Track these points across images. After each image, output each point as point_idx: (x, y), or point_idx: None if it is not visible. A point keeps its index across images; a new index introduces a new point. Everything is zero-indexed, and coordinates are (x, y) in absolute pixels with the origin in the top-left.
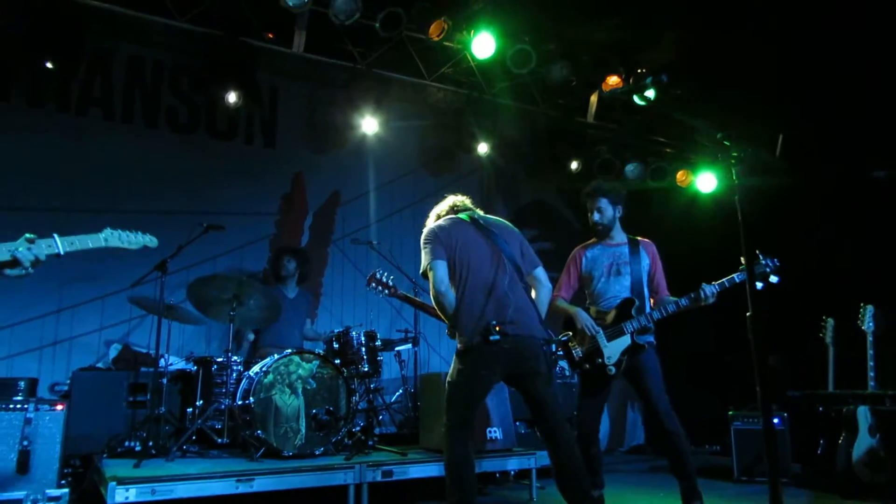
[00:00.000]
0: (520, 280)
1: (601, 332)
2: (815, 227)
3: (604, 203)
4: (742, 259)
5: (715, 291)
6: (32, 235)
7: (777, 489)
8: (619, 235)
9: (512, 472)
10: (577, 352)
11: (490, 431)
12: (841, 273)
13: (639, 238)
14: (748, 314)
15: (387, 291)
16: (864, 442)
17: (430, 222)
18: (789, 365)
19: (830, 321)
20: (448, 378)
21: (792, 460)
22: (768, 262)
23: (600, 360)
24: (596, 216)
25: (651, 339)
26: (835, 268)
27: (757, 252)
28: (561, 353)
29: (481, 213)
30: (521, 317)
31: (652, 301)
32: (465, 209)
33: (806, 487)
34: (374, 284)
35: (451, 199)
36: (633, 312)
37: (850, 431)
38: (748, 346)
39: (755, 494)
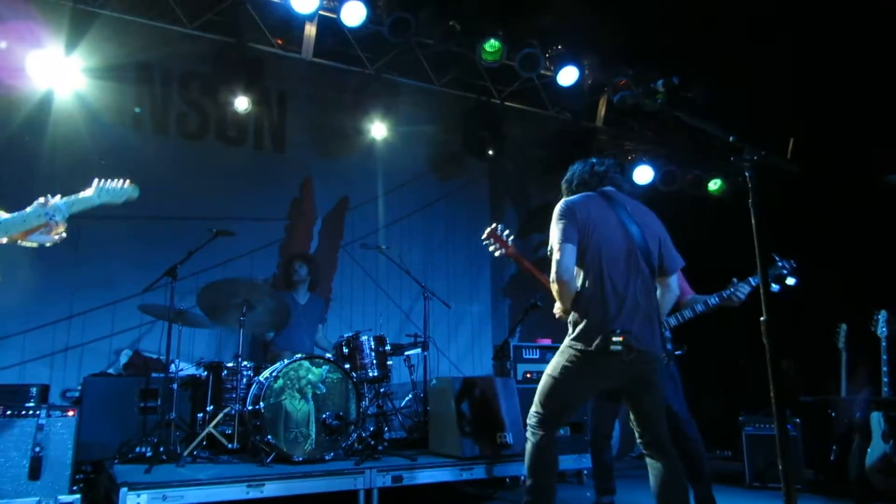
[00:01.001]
0: (653, 284)
1: None
2: (828, 231)
3: None
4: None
5: (746, 290)
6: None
7: (792, 496)
8: None
9: (523, 477)
10: None
11: (501, 436)
12: (854, 278)
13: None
14: (762, 319)
15: (503, 250)
16: (877, 448)
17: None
18: (802, 370)
19: (843, 326)
20: (550, 369)
21: (805, 466)
22: (785, 263)
23: None
24: None
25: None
26: (848, 273)
27: (773, 255)
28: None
29: (613, 189)
30: (647, 330)
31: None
32: (610, 178)
33: (819, 494)
34: (491, 240)
35: (594, 162)
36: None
37: (863, 437)
38: (761, 350)
39: (767, 500)
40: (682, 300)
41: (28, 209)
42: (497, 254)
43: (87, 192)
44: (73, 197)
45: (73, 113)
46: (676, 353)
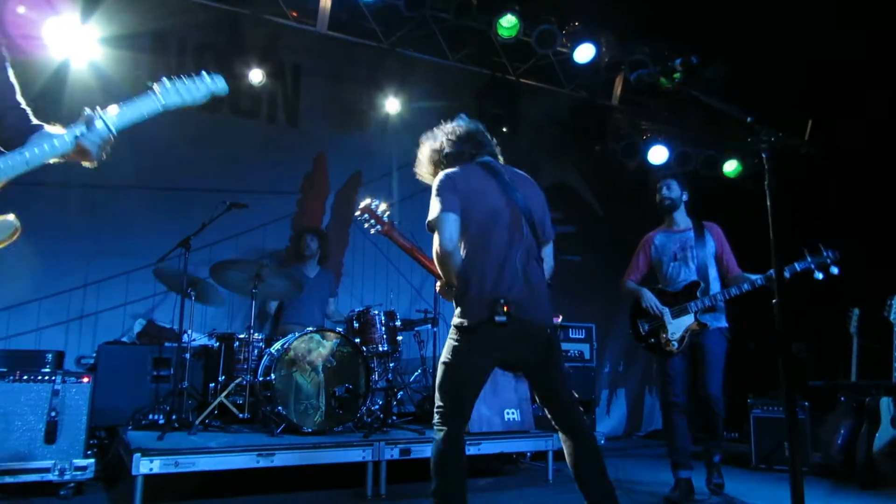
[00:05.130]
0: (537, 253)
1: (667, 310)
2: (843, 213)
3: (674, 183)
4: (804, 249)
5: (787, 275)
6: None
7: (798, 478)
8: (684, 220)
9: (528, 454)
10: (644, 326)
11: (507, 413)
12: (868, 263)
13: (704, 222)
14: (773, 301)
15: (379, 227)
16: (885, 433)
17: (436, 145)
18: (813, 354)
19: (856, 311)
20: (442, 357)
21: (812, 450)
22: (829, 253)
23: (665, 336)
24: (664, 191)
25: (719, 322)
26: (862, 257)
27: (819, 245)
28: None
29: (490, 159)
30: (533, 298)
31: (724, 281)
32: (486, 147)
33: (825, 477)
34: (365, 216)
35: (468, 127)
36: (697, 294)
37: (871, 422)
38: (772, 333)
39: (773, 482)
40: (729, 276)
41: (66, 131)
42: (373, 231)
43: (145, 100)
44: (124, 108)
45: (90, 82)
46: (721, 326)
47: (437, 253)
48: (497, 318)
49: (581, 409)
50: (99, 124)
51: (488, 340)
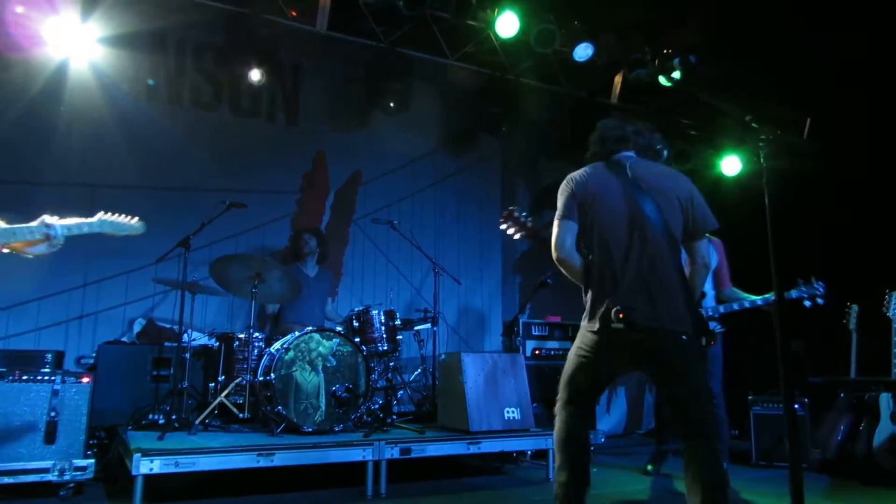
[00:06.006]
0: (669, 255)
1: None
2: (842, 211)
3: None
4: (799, 280)
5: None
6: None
7: (798, 474)
8: None
9: (529, 453)
10: None
11: (508, 411)
12: (867, 259)
13: (708, 236)
14: (772, 299)
15: (523, 232)
16: (885, 429)
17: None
18: (812, 350)
19: (855, 307)
20: (571, 350)
21: (811, 446)
22: (819, 286)
23: None
24: None
25: (714, 328)
26: (861, 253)
27: (811, 276)
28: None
29: (633, 154)
30: (657, 306)
31: (716, 293)
32: (624, 143)
33: (825, 473)
34: (509, 223)
35: (604, 124)
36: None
37: (871, 418)
38: (771, 330)
39: (773, 479)
40: (722, 289)
41: (32, 223)
42: (517, 237)
43: (90, 219)
44: (74, 223)
45: (89, 81)
46: (718, 330)
47: (553, 257)
48: (613, 325)
49: (710, 407)
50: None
51: (605, 345)
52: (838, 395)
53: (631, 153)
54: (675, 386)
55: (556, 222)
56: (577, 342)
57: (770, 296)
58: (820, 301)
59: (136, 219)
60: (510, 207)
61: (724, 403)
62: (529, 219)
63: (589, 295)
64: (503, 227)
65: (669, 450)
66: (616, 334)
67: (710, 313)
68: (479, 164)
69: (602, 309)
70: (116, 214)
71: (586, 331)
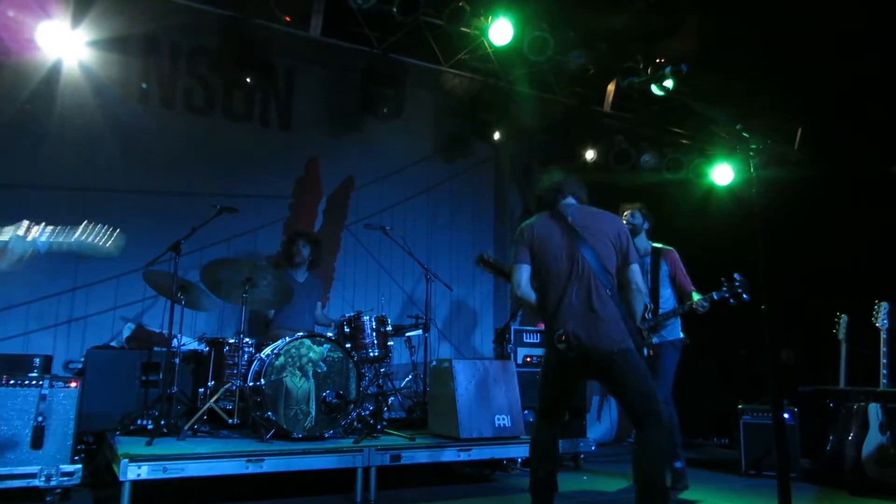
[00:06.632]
0: (604, 284)
1: None
2: (832, 221)
3: (637, 213)
4: (723, 279)
5: (707, 305)
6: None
7: (786, 483)
8: (645, 245)
9: (519, 460)
10: None
11: (498, 419)
12: (856, 269)
13: (661, 247)
14: (762, 307)
15: (492, 270)
16: (874, 439)
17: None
18: (801, 360)
19: (844, 317)
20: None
21: (801, 455)
22: (739, 281)
23: None
24: (629, 218)
25: (672, 335)
26: (851, 263)
27: (734, 274)
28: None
29: (573, 200)
30: (593, 329)
31: (681, 299)
32: (553, 197)
33: (814, 483)
34: (482, 266)
35: (549, 179)
36: (646, 315)
37: (860, 428)
38: (761, 340)
39: (762, 488)
40: (685, 294)
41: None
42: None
43: (73, 236)
44: (57, 237)
45: (81, 85)
46: (674, 339)
47: (512, 294)
48: (558, 345)
49: (651, 403)
50: (27, 240)
51: (560, 364)
52: (828, 404)
53: (572, 200)
54: (618, 391)
55: (513, 266)
56: (544, 358)
57: (683, 306)
58: (745, 297)
59: (114, 239)
60: (479, 253)
61: (674, 410)
62: (493, 259)
63: (543, 321)
64: (481, 266)
65: (683, 468)
66: (562, 353)
67: (650, 323)
68: (471, 171)
69: (551, 334)
70: (98, 229)
71: (545, 351)
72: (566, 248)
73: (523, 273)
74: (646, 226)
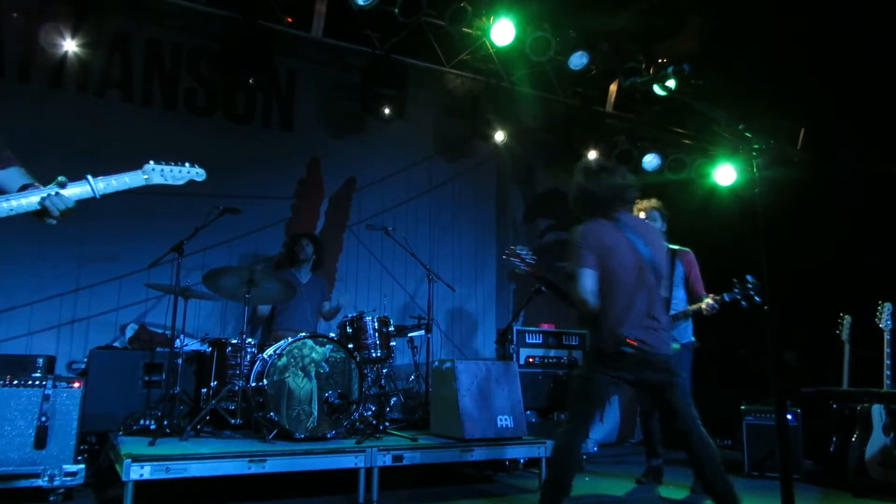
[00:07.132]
0: (659, 294)
1: None
2: (835, 221)
3: (656, 214)
4: (735, 281)
5: (717, 307)
6: (64, 178)
7: (789, 485)
8: None
9: (522, 461)
10: None
11: (500, 419)
12: (860, 270)
13: (677, 248)
14: (765, 308)
15: (528, 270)
16: (877, 440)
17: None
18: (805, 361)
19: (847, 318)
20: (577, 372)
21: (804, 457)
22: (752, 282)
23: None
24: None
25: (683, 338)
26: (854, 264)
27: (746, 276)
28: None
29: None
30: (651, 335)
31: (693, 301)
32: (613, 204)
33: (817, 484)
34: (513, 259)
35: (617, 187)
36: None
37: (863, 430)
38: (764, 341)
39: (765, 489)
40: (696, 297)
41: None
42: (519, 270)
43: (133, 173)
44: (110, 177)
45: (82, 85)
46: (685, 342)
47: (576, 298)
48: (623, 348)
49: (692, 411)
50: (74, 191)
51: (613, 364)
52: (831, 406)
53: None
54: (667, 395)
55: (576, 271)
56: (584, 364)
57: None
58: (757, 299)
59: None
60: (512, 247)
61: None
62: (533, 258)
63: (599, 328)
64: (505, 257)
65: (661, 465)
66: (622, 357)
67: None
68: (473, 172)
69: (615, 338)
70: (169, 164)
71: (594, 355)
72: (633, 259)
73: (593, 279)
74: (664, 227)
